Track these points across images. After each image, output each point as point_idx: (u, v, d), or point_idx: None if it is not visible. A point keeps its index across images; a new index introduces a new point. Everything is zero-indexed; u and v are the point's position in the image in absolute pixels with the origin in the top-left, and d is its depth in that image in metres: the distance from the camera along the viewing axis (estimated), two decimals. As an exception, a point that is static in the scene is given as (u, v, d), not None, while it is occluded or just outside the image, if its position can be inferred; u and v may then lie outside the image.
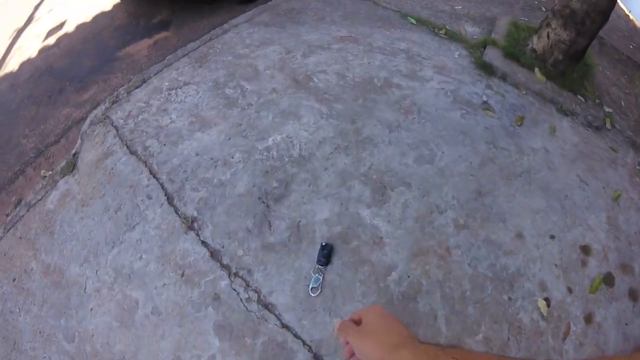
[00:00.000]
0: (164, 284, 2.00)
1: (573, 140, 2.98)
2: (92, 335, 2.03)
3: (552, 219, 2.40)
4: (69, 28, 4.69)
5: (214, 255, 1.93)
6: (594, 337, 1.91)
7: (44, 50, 4.56)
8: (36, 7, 5.53)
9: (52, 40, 4.64)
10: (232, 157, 2.22)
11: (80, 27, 4.59)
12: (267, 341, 1.73)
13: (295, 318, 1.76)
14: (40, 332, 2.06)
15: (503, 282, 2.04)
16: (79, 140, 3.04)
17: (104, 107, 3.07)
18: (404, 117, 2.50)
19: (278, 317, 1.76)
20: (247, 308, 1.80)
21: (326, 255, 1.82)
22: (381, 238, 1.92)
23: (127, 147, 2.63)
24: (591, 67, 3.54)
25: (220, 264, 1.90)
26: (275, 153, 2.21)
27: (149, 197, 2.29)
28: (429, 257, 1.95)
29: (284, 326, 1.75)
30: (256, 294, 1.81)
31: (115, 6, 4.78)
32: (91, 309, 2.11)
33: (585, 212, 2.52)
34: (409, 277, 1.87)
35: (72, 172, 2.87)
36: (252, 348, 1.73)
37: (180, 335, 1.86)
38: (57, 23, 4.88)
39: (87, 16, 4.74)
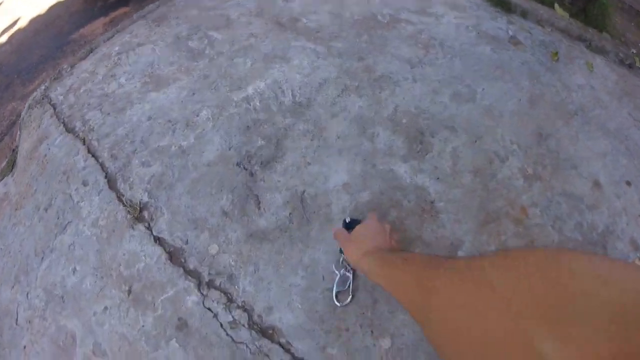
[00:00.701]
0: (105, 308, 1.16)
1: (612, 77, 2.24)
2: (26, 387, 1.20)
3: (622, 162, 1.67)
4: (22, 23, 3.77)
5: (174, 256, 1.09)
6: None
7: (-5, 50, 3.64)
8: (-6, 11, 4.57)
9: (4, 38, 3.72)
10: (197, 116, 1.38)
11: (34, 21, 3.69)
12: (270, 391, 0.90)
13: (315, 347, 0.93)
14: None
15: (595, 246, 1.29)
16: (18, 132, 2.17)
17: (43, 87, 2.20)
18: (424, 52, 1.70)
19: (286, 349, 0.94)
20: (232, 338, 0.96)
21: None
22: (432, 203, 1.11)
23: (64, 125, 1.77)
24: (607, 5, 2.82)
25: (184, 269, 1.06)
26: (258, 103, 1.38)
27: (85, 184, 1.43)
28: (501, 223, 1.15)
29: (297, 362, 0.92)
30: (245, 314, 0.97)
31: (71, -6, 3.85)
32: (24, 348, 1.30)
33: (648, 153, 1.78)
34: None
35: (11, 171, 1.99)
36: (246, 405, 0.90)
37: (133, 389, 1.02)
38: (11, 21, 3.94)
39: (41, 9, 3.81)
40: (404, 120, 1.31)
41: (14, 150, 2.18)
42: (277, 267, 1.00)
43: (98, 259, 1.23)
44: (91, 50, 2.24)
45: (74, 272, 1.29)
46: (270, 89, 1.44)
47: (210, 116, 1.38)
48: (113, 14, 3.09)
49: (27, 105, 2.22)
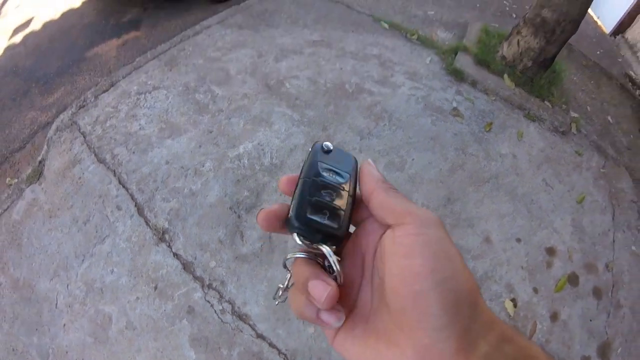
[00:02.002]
0: (137, 298, 1.94)
1: (539, 145, 2.99)
2: (67, 352, 1.94)
3: (519, 222, 2.42)
4: (36, 25, 4.41)
5: (187, 267, 1.88)
6: (560, 334, 1.93)
7: (9, 49, 4.28)
8: (3, 3, 5.18)
9: (18, 38, 4.36)
10: (203, 166, 2.16)
11: (48, 25, 4.33)
12: (243, 351, 1.71)
13: (269, 328, 1.74)
14: (13, 350, 1.94)
15: (470, 284, 2.08)
16: (45, 147, 2.90)
17: (70, 112, 2.93)
18: (374, 124, 2.50)
19: (253, 328, 1.74)
20: (221, 319, 1.76)
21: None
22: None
23: (95, 154, 2.52)
24: (560, 73, 3.53)
25: (193, 275, 1.85)
26: (246, 161, 2.16)
27: (119, 208, 2.20)
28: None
29: (259, 336, 1.73)
30: (230, 305, 1.78)
31: (84, 3, 4.53)
32: (64, 325, 2.01)
33: (551, 214, 2.50)
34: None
35: (38, 180, 2.73)
36: (228, 359, 1.71)
37: (156, 349, 1.81)
38: (24, 20, 4.58)
39: (55, 13, 4.47)
40: (346, 184, 2.12)
41: (40, 162, 2.90)
42: (251, 278, 1.81)
43: (132, 264, 2.01)
44: (112, 84, 2.98)
45: (111, 272, 2.07)
46: (255, 149, 2.23)
47: (212, 168, 2.16)
48: (126, 37, 3.79)
49: (55, 125, 2.95)
